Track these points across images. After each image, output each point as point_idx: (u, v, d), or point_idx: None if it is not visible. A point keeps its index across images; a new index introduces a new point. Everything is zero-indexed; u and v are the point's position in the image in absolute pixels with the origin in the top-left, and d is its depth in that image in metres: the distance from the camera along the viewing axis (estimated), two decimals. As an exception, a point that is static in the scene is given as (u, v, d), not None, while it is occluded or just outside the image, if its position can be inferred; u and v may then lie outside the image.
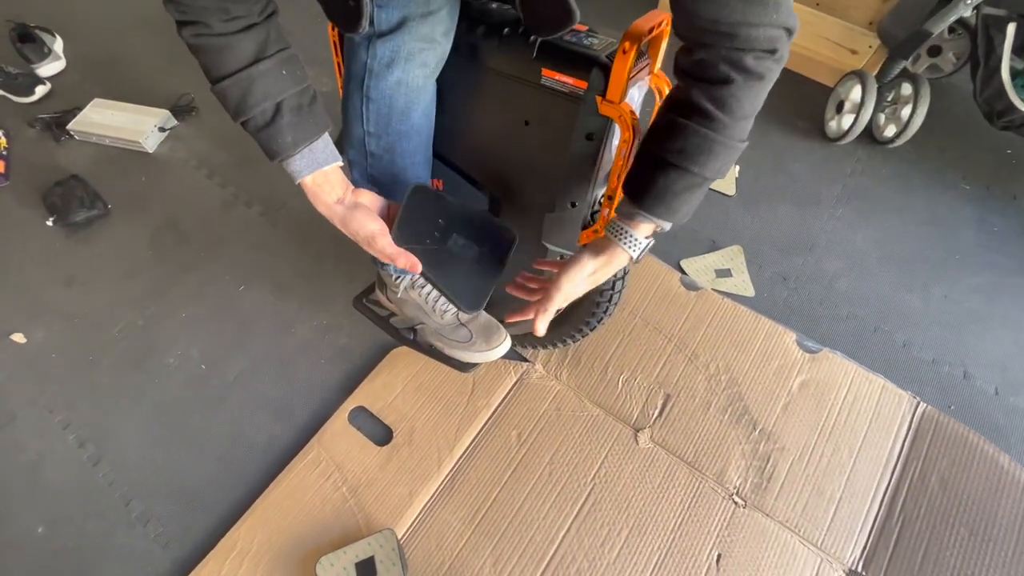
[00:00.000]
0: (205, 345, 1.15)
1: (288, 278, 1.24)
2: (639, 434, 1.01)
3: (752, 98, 0.53)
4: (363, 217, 0.64)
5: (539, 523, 0.93)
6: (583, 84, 0.60)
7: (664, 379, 1.07)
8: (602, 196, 0.74)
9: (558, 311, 0.67)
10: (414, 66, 0.63)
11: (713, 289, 1.19)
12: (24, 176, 1.41)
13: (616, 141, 0.65)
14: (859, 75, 1.38)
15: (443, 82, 0.69)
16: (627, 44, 0.55)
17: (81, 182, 1.38)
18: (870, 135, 1.48)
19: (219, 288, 1.23)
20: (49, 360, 1.12)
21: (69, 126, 1.48)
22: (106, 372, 1.11)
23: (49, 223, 1.33)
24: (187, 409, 1.07)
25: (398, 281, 0.88)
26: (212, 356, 1.13)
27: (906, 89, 1.37)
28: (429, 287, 0.86)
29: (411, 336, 0.96)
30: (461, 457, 0.99)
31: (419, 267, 0.63)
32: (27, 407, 1.06)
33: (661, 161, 0.56)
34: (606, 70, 0.58)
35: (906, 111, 1.36)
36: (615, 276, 0.84)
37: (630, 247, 0.61)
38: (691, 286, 1.19)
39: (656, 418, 1.03)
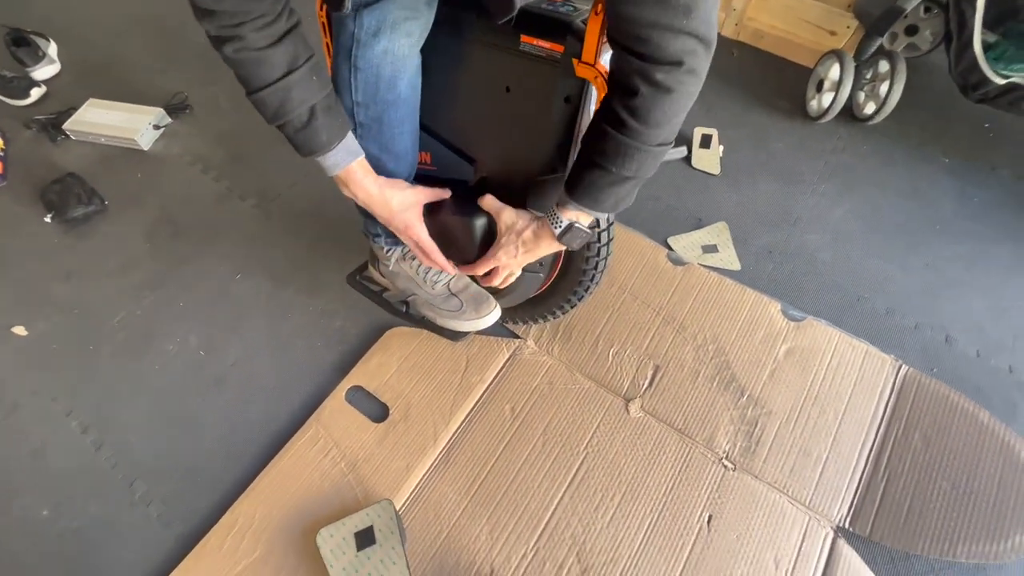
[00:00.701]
0: (203, 333, 1.17)
1: (283, 267, 1.27)
2: (630, 404, 1.03)
3: (663, 108, 0.57)
4: (402, 186, 0.77)
5: (534, 491, 0.95)
6: (560, 48, 0.63)
7: (653, 351, 1.09)
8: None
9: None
10: (399, 35, 0.66)
11: (700, 264, 1.21)
12: (21, 175, 1.44)
13: (593, 106, 0.68)
14: (837, 54, 1.41)
15: (427, 55, 0.71)
16: (599, 7, 0.58)
17: (78, 180, 1.41)
18: (850, 113, 1.51)
19: (215, 278, 1.25)
20: (50, 351, 1.14)
21: (65, 126, 1.51)
22: (106, 361, 1.13)
23: (47, 220, 1.35)
24: (187, 393, 1.09)
25: (389, 253, 0.90)
26: (210, 343, 1.15)
27: (883, 66, 1.41)
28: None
29: (404, 309, 0.99)
30: (457, 431, 1.02)
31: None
32: (30, 396, 1.08)
33: (588, 160, 0.63)
34: (580, 33, 0.61)
35: (884, 88, 1.39)
36: (592, 252, 0.87)
37: (554, 225, 0.70)
38: (678, 261, 1.21)
39: (646, 388, 1.05)
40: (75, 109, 1.54)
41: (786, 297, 1.16)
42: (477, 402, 1.05)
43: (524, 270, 0.89)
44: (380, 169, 0.78)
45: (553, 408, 1.04)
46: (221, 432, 1.04)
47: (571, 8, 0.65)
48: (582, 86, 0.66)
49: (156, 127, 1.54)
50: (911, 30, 1.56)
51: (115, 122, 1.52)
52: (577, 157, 0.66)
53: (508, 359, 1.10)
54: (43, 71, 1.66)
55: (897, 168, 1.41)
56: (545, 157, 0.73)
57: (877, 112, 1.42)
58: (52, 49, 1.72)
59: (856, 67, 1.40)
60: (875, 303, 1.17)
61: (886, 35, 1.40)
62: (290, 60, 0.61)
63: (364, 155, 0.72)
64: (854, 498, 0.94)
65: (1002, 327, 1.13)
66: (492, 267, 0.82)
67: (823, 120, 1.48)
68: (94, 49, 1.78)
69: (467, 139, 0.80)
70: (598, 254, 0.87)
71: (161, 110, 1.55)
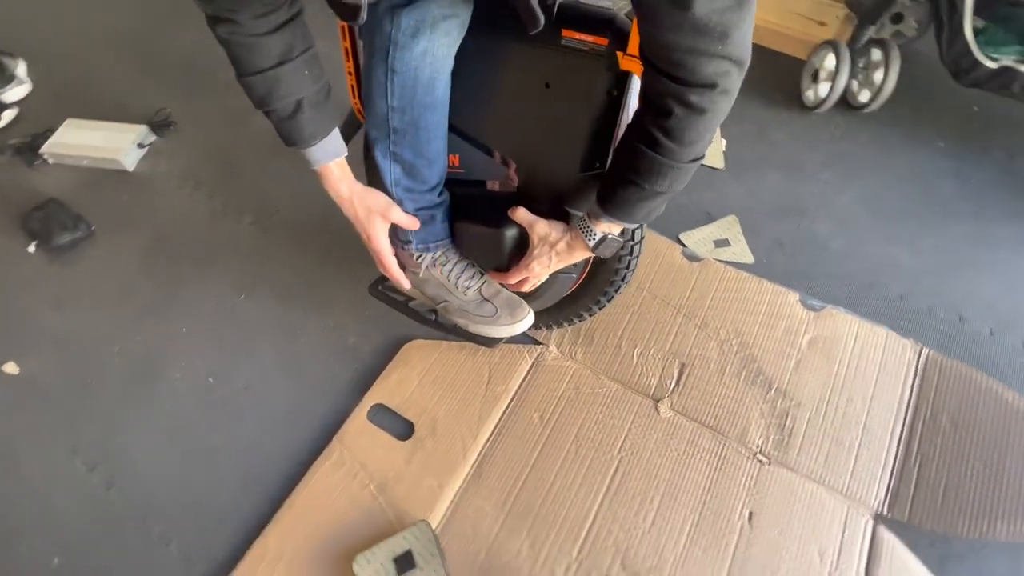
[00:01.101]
0: (210, 358, 1.12)
1: (289, 284, 1.22)
2: (659, 404, 1.02)
3: (696, 128, 0.56)
4: (375, 193, 0.77)
5: (571, 500, 0.93)
6: (604, 41, 0.61)
7: (677, 349, 1.08)
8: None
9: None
10: (439, 35, 0.64)
11: (714, 259, 1.21)
12: (-1, 204, 1.36)
13: (634, 100, 0.66)
14: (832, 44, 1.43)
15: (458, 53, 0.69)
16: None
17: (61, 205, 1.34)
18: (845, 102, 1.52)
19: (218, 300, 1.20)
20: (47, 388, 1.08)
21: (42, 149, 1.44)
22: (108, 394, 1.07)
23: (31, 249, 1.28)
24: (198, 423, 1.04)
25: (419, 260, 0.87)
26: (218, 368, 1.11)
27: (876, 55, 1.43)
28: (451, 264, 0.86)
29: (433, 317, 0.96)
30: (486, 444, 0.99)
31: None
32: (29, 437, 1.02)
33: (621, 175, 0.63)
34: (624, 26, 0.60)
35: (878, 75, 1.41)
36: (625, 251, 0.85)
37: (587, 236, 0.70)
38: (693, 257, 1.21)
39: (674, 387, 1.04)
40: (52, 131, 1.47)
41: (801, 287, 1.17)
42: (504, 412, 1.02)
43: (559, 272, 0.87)
44: (415, 175, 0.76)
45: (582, 413, 1.02)
46: (238, 460, 1.00)
47: (611, 1, 0.64)
48: (625, 79, 0.65)
49: (140, 146, 1.47)
50: (896, 18, 1.59)
51: (96, 142, 1.45)
52: (609, 171, 0.66)
53: (531, 366, 1.08)
54: (13, 92, 1.58)
55: (895, 154, 1.44)
56: (587, 153, 0.71)
57: (873, 99, 1.44)
58: (21, 68, 1.63)
59: (850, 56, 1.42)
60: (889, 288, 1.18)
61: (848, 34, 1.42)
62: (284, 50, 0.61)
63: (345, 156, 0.73)
64: (889, 483, 0.94)
65: (1012, 304, 1.16)
66: (524, 276, 0.81)
67: (820, 110, 1.49)
68: (67, 66, 1.70)
69: (502, 139, 0.77)
70: (631, 253, 0.86)
71: (145, 127, 1.49)
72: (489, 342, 0.92)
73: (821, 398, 1.02)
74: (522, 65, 0.69)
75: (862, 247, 1.25)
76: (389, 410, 1.03)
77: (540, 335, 1.11)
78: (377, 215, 0.77)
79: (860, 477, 0.94)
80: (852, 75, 1.46)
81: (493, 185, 0.85)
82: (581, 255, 0.75)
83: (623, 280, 0.91)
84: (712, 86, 0.53)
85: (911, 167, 1.41)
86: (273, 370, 1.10)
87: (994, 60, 1.28)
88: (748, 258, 1.23)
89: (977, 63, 1.29)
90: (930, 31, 1.47)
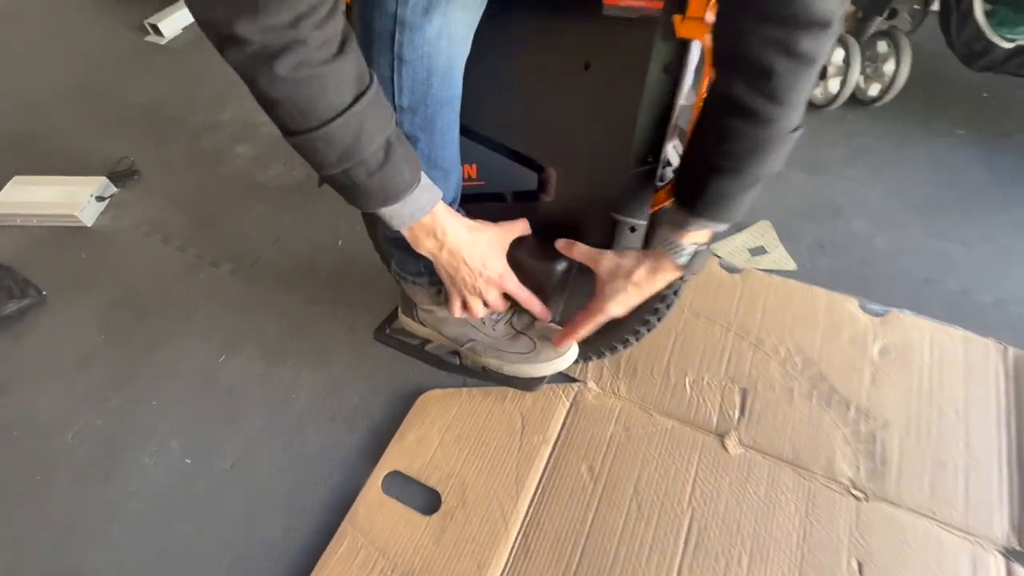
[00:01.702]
0: (187, 434, 0.94)
1: (277, 337, 1.06)
2: (726, 440, 0.87)
3: (803, 84, 0.45)
4: (487, 230, 0.63)
5: (643, 569, 0.76)
6: (658, 3, 0.49)
7: (735, 373, 0.94)
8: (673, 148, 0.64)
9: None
10: (455, 9, 0.50)
11: (753, 268, 1.09)
12: (-67, 274, 1.18)
13: (691, 76, 0.55)
14: (840, 38, 1.37)
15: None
16: None
17: (6, 270, 1.17)
18: (853, 98, 1.46)
19: (195, 363, 1.03)
20: (-16, 490, 0.88)
21: (-15, 211, 1.27)
22: (64, 490, 0.88)
23: (-30, 323, 1.10)
24: (177, 515, 0.85)
25: (437, 295, 0.72)
26: (198, 446, 0.92)
27: (883, 46, 1.38)
28: None
29: (456, 361, 0.80)
30: (530, 508, 0.82)
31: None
32: (-42, 557, 0.82)
33: (708, 164, 0.51)
34: None
35: (889, 67, 1.36)
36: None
37: (676, 255, 0.57)
38: (731, 268, 1.08)
39: (739, 418, 0.89)
40: (-3, 189, 1.31)
41: (855, 291, 1.05)
42: (546, 467, 0.86)
43: None
44: None
45: (638, 460, 0.86)
46: (230, 557, 0.81)
47: None
48: (683, 51, 0.53)
49: (99, 199, 1.32)
50: (892, 14, 1.56)
51: (48, 198, 1.30)
52: (688, 163, 0.55)
53: (570, 408, 0.92)
54: (-47, 152, 1.42)
55: (916, 145, 1.37)
56: (638, 145, 0.58)
57: (885, 92, 1.37)
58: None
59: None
60: (947, 284, 1.08)
61: (852, 27, 1.38)
62: (359, 73, 0.45)
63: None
64: (1010, 510, 0.79)
65: (1080, 289, 1.06)
66: (597, 322, 0.67)
67: (831, 107, 1.43)
68: (13, 122, 1.56)
69: (531, 138, 0.64)
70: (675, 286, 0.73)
71: (104, 179, 1.34)
72: (529, 384, 0.77)
73: (909, 415, 0.88)
74: (554, 44, 0.57)
75: (907, 243, 1.15)
76: (408, 478, 0.86)
77: (575, 370, 0.97)
78: (497, 248, 0.65)
79: (976, 506, 0.80)
80: (860, 70, 1.40)
81: (519, 197, 0.72)
82: (666, 279, 0.60)
83: (676, 294, 0.77)
84: (826, 24, 0.42)
85: (935, 158, 1.33)
86: (264, 441, 0.93)
87: (1010, 40, 1.23)
88: (790, 264, 1.11)
89: (991, 45, 1.24)
90: (923, 26, 1.44)
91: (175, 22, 1.89)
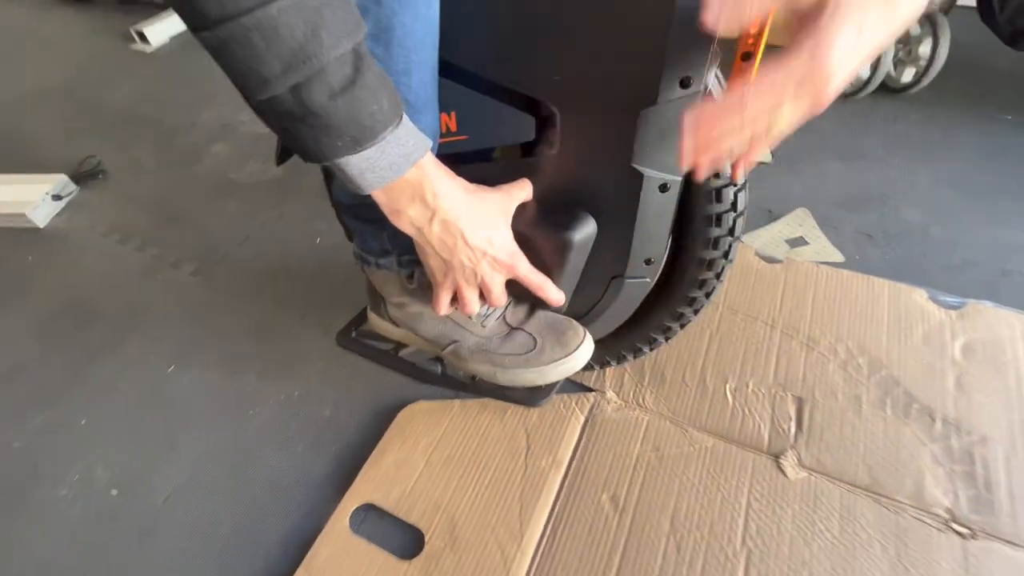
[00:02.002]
0: (117, 460, 0.77)
1: (238, 344, 0.90)
2: (782, 461, 0.70)
3: None
4: (489, 195, 0.49)
5: (690, 635, 0.57)
6: None
7: (785, 379, 0.77)
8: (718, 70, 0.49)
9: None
10: None
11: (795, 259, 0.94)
12: None
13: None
14: (864, 19, 1.26)
15: None
16: None
17: (-62, 273, 1.03)
18: (883, 87, 1.34)
19: (138, 375, 0.87)
20: None
21: (-74, 210, 1.15)
22: (-47, 531, 0.71)
23: None
24: (90, 562, 0.67)
25: (409, 282, 0.57)
26: (128, 474, 0.75)
27: (914, 28, 1.26)
28: None
29: (438, 370, 0.64)
30: (538, 551, 0.64)
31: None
32: None
33: None
34: None
35: (924, 49, 1.24)
36: (731, 215, 0.57)
37: None
38: (770, 258, 0.93)
39: (796, 433, 0.72)
40: (-57, 188, 1.19)
41: (915, 282, 0.89)
42: (557, 498, 0.68)
43: (626, 277, 0.58)
44: None
45: (674, 487, 0.68)
46: (148, 623, 0.63)
47: None
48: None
49: (56, 197, 1.19)
50: None
51: (-1, 197, 1.17)
52: None
53: (585, 424, 0.75)
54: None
55: (963, 131, 1.23)
56: (673, 59, 0.44)
57: (920, 77, 1.25)
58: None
59: (885, 32, 1.25)
60: (1025, 275, 0.92)
61: None
62: None
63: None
64: None
65: None
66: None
67: (861, 95, 1.31)
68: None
69: (528, 65, 0.49)
70: (732, 227, 0.57)
71: (63, 177, 1.22)
72: (532, 396, 0.60)
73: (1011, 427, 0.71)
74: None
75: (969, 231, 1.00)
76: (383, 512, 0.68)
77: (589, 378, 0.80)
78: (502, 218, 0.50)
79: (1121, 544, 0.61)
80: (893, 52, 1.29)
81: (512, 152, 0.57)
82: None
83: (719, 277, 0.62)
84: None
85: (988, 144, 1.20)
86: (208, 468, 0.75)
87: (1062, 11, 1.11)
88: (836, 256, 0.96)
89: (1041, 18, 1.13)
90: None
91: (162, 30, 1.82)
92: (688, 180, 0.54)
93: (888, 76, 1.33)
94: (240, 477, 0.74)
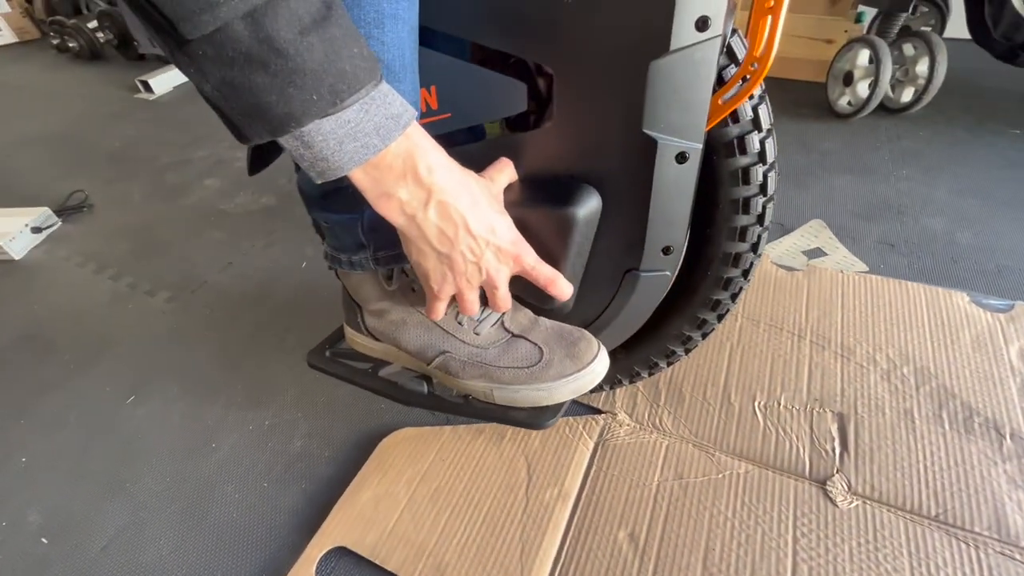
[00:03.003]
0: (53, 503, 0.66)
1: (207, 373, 0.81)
2: (829, 488, 0.59)
3: None
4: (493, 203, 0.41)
5: None
6: None
7: (821, 393, 0.68)
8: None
9: None
10: None
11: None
12: None
13: None
14: (865, 40, 1.26)
15: None
16: None
17: None
18: (882, 108, 1.33)
19: (92, 408, 0.78)
20: None
21: (-102, 244, 1.10)
22: None
23: None
24: (-3, 630, 0.55)
25: (389, 284, 0.49)
26: (64, 519, 0.65)
27: (909, 49, 1.26)
28: None
29: (424, 389, 0.55)
30: (543, 603, 0.52)
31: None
32: None
33: None
34: None
35: (921, 68, 1.23)
36: (760, 199, 0.51)
37: None
38: (789, 267, 0.86)
39: (842, 455, 0.62)
40: (-80, 223, 1.15)
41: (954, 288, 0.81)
42: (565, 536, 0.57)
43: (641, 270, 0.50)
44: None
45: (704, 521, 0.57)
46: None
47: None
48: None
49: (36, 230, 1.15)
50: (914, 9, 1.49)
51: (-25, 230, 1.12)
52: None
53: (595, 449, 0.65)
54: None
55: (974, 146, 1.20)
56: (689, 4, 0.38)
57: (920, 96, 1.23)
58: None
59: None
60: (1071, 280, 0.84)
61: (876, 29, 1.28)
62: None
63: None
64: None
65: None
66: None
67: (861, 114, 1.28)
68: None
69: (520, 18, 0.44)
70: (762, 215, 0.51)
71: (47, 210, 1.18)
72: (536, 418, 0.50)
73: (1095, 441, 0.60)
74: None
75: (999, 239, 0.93)
76: (359, 557, 0.57)
77: (597, 398, 0.70)
78: (497, 203, 0.43)
79: None
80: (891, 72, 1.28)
81: (502, 130, 0.51)
82: None
83: (746, 276, 0.54)
84: None
85: (1000, 156, 1.16)
86: (158, 508, 0.65)
87: (1059, 23, 1.11)
88: (859, 265, 0.89)
89: (1038, 32, 1.12)
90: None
91: (166, 81, 1.87)
92: (708, 157, 0.48)
93: (887, 97, 1.32)
94: (192, 519, 0.63)
